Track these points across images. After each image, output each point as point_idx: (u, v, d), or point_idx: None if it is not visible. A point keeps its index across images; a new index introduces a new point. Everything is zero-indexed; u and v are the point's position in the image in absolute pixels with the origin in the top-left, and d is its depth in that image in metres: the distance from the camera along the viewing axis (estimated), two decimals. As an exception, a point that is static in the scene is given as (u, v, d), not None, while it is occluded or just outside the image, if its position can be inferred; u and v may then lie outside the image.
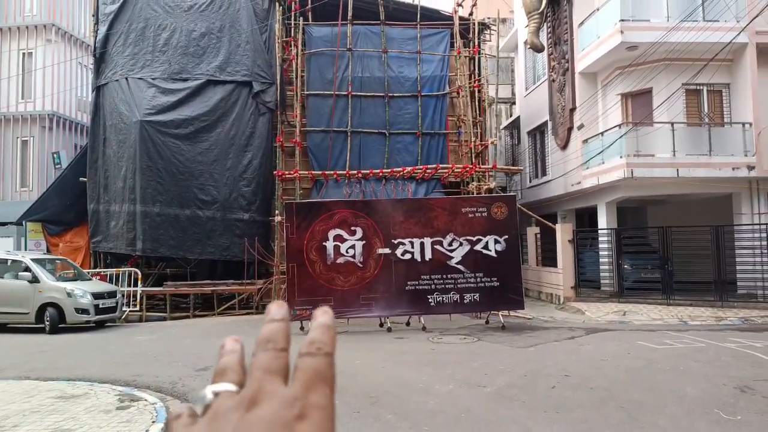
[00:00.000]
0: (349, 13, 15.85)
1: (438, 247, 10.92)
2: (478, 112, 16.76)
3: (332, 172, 15.14)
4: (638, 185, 14.17)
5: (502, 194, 14.75)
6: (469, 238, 10.97)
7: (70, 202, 17.34)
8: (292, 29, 15.99)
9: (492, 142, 16.36)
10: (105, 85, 16.55)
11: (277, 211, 14.67)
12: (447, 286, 10.87)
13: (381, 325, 11.16)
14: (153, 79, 15.82)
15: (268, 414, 0.36)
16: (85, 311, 12.28)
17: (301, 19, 15.98)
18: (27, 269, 12.51)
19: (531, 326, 11.43)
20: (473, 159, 16.00)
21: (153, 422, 5.21)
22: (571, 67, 16.53)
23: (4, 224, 19.81)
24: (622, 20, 13.97)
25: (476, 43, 17.06)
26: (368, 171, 15.00)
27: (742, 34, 13.01)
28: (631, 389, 6.27)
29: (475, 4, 17.22)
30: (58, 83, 22.22)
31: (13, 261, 12.96)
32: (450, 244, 10.92)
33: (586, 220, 19.08)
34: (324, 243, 10.82)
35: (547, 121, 18.80)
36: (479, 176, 15.44)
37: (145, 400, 6.05)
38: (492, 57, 17.78)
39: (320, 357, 0.39)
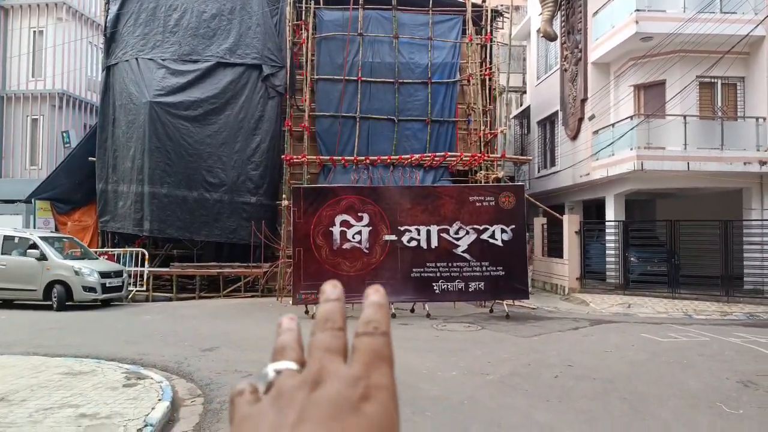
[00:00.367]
0: (361, -2, 15.72)
1: (444, 235, 10.91)
2: (488, 100, 16.63)
3: (340, 157, 15.12)
4: (648, 178, 14.07)
5: (510, 184, 14.70)
6: (475, 226, 10.96)
7: (79, 181, 17.43)
8: (303, 12, 15.88)
9: (501, 131, 16.25)
10: (115, 65, 16.54)
11: (284, 195, 14.70)
12: (452, 274, 10.88)
13: (385, 311, 11.19)
14: (163, 60, 15.80)
15: (334, 394, 0.36)
16: (92, 289, 12.41)
17: (312, 2, 15.86)
18: (35, 246, 12.63)
19: (535, 316, 11.45)
20: (482, 148, 15.92)
21: (159, 400, 5.27)
22: (584, 56, 16.35)
23: (13, 202, 19.96)
24: (638, 10, 13.78)
25: (488, 31, 16.87)
26: (376, 157, 14.96)
27: (759, 27, 12.80)
28: (635, 381, 6.28)
29: (488, -9, 17.02)
30: (68, 62, 22.23)
31: (21, 238, 13.09)
32: (456, 233, 10.92)
33: (593, 211, 18.99)
34: (331, 228, 10.84)
35: (557, 111, 18.65)
36: (487, 165, 15.38)
37: (152, 378, 6.12)
38: (504, 45, 17.61)
39: (378, 336, 0.39)
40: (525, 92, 24.05)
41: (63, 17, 21.99)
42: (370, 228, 10.86)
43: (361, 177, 15.04)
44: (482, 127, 16.10)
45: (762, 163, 13.57)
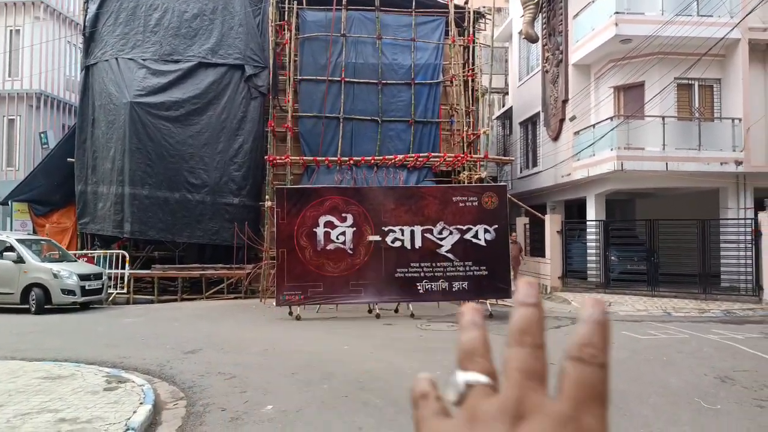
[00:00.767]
0: (344, -2, 15.71)
1: (428, 235, 10.95)
2: (471, 101, 16.74)
3: (324, 158, 15.09)
4: (628, 178, 14.28)
5: (493, 184, 14.80)
6: (459, 226, 11.01)
7: (58, 182, 17.15)
8: (286, 13, 15.82)
9: (484, 132, 16.37)
10: (94, 65, 16.30)
11: (267, 197, 14.62)
12: (436, 273, 10.92)
13: (370, 311, 11.21)
14: (144, 60, 15.62)
15: None
16: (71, 292, 12.21)
17: (295, 2, 15.80)
18: (12, 249, 12.39)
19: (518, 315, 11.52)
20: (465, 148, 16.01)
21: (141, 403, 5.21)
22: (565, 58, 16.53)
23: (-11, 204, 19.56)
24: (617, 13, 13.98)
25: (471, 32, 16.98)
26: (360, 158, 14.96)
27: (735, 30, 13.07)
28: (616, 379, 6.28)
29: (470, -8, 17.14)
30: (46, 62, 21.82)
31: (-1, 241, 12.82)
32: (440, 233, 10.96)
33: (574, 211, 19.21)
34: (314, 229, 10.81)
35: (539, 112, 18.84)
36: (470, 166, 15.47)
37: (133, 381, 6.05)
38: (486, 46, 17.74)
39: (595, 367, 0.33)
40: (507, 93, 24.24)
41: (41, 16, 21.60)
42: (354, 228, 10.86)
43: (345, 178, 15.03)
44: (465, 128, 16.19)
45: (738, 163, 13.86)
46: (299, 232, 10.78)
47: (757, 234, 12.81)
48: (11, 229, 17.33)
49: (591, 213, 15.63)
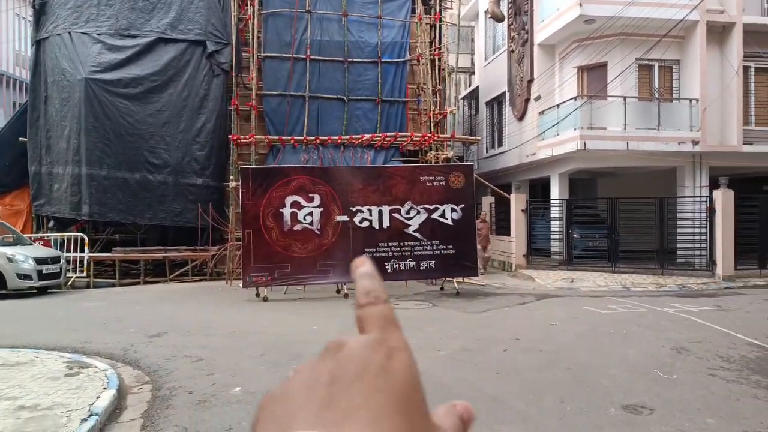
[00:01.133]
0: (308, -27, 15.34)
1: (396, 215, 10.97)
2: (437, 80, 16.71)
3: (289, 137, 14.86)
4: (590, 157, 14.57)
5: (460, 164, 14.89)
6: (426, 206, 11.06)
7: (9, 163, 16.40)
8: (248, -13, 15.35)
9: (451, 111, 16.40)
10: (46, 39, 15.52)
11: (231, 177, 14.35)
12: (404, 253, 10.98)
13: (338, 291, 11.22)
14: (99, 34, 14.94)
15: (361, 357, 0.37)
16: (27, 277, 11.80)
17: (258, -24, 15.35)
18: (-37, 233, 11.84)
19: (484, 292, 11.75)
20: (432, 128, 16.02)
21: (104, 388, 5.09)
22: (530, 38, 16.63)
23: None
24: (581, -7, 14.09)
25: (437, 11, 16.87)
26: (326, 137, 14.79)
27: (693, 11, 13.37)
28: (578, 352, 6.57)
29: (436, -30, 16.97)
30: (-8, 35, 20.71)
31: (-53, 224, 12.23)
32: (408, 212, 10.99)
33: (539, 190, 19.55)
34: (281, 209, 10.68)
35: (505, 92, 18.97)
36: (437, 145, 15.51)
37: (95, 366, 5.90)
38: (453, 25, 17.65)
39: (381, 304, 0.41)
40: (473, 73, 24.30)
41: (-15, -14, 20.42)
42: (322, 209, 10.78)
43: (312, 157, 14.86)
44: (432, 108, 16.18)
45: (695, 142, 14.32)
46: (265, 213, 10.64)
47: (711, 211, 13.32)
48: (-40, 212, 16.53)
49: (555, 192, 15.93)
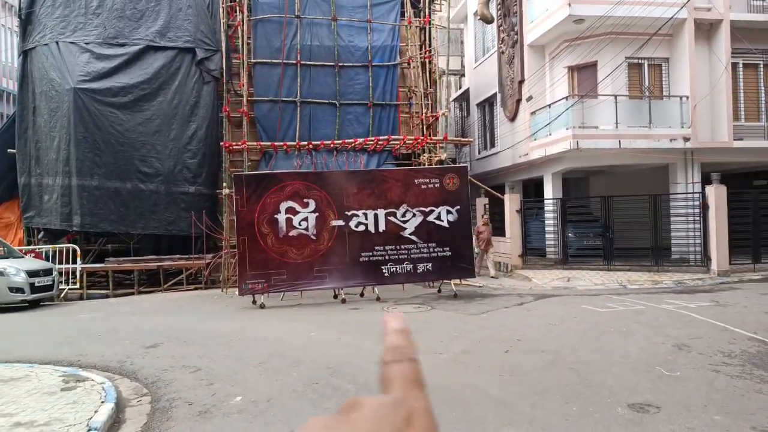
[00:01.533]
0: (297, -22, 15.31)
1: (391, 218, 10.92)
2: (428, 83, 16.71)
3: (282, 143, 14.79)
4: (583, 156, 14.61)
5: (454, 165, 14.87)
6: (422, 209, 11.03)
7: (-2, 175, 16.22)
8: (237, -7, 15.29)
9: (443, 114, 16.40)
10: (33, 50, 15.37)
11: (224, 184, 14.25)
12: (400, 256, 10.93)
13: (335, 296, 11.15)
14: (86, 43, 14.82)
15: (377, 418, 0.36)
16: (19, 290, 11.63)
17: (246, -18, 15.30)
18: (-48, 247, 11.66)
19: (481, 294, 11.71)
20: (424, 130, 16.01)
21: (102, 402, 4.99)
22: (520, 39, 16.68)
23: None
24: (570, -7, 14.15)
25: (426, 13, 16.89)
26: (319, 142, 14.74)
27: (682, 10, 13.46)
28: (580, 351, 6.54)
29: (425, -27, 16.99)
30: (-22, 46, 20.49)
31: (-64, 239, 12.04)
32: (403, 215, 10.95)
33: (531, 190, 19.58)
34: (276, 215, 10.60)
35: (496, 93, 19.00)
36: (430, 148, 15.49)
37: (92, 380, 5.79)
38: (442, 28, 17.68)
39: (406, 362, 0.41)
40: (464, 75, 24.34)
41: (-31, -3, 20.20)
42: (317, 214, 10.71)
43: (305, 163, 14.80)
44: (424, 110, 16.17)
45: (686, 139, 14.39)
46: (260, 219, 10.55)
47: (704, 207, 13.38)
48: (-51, 226, 16.30)
49: (548, 191, 15.96)
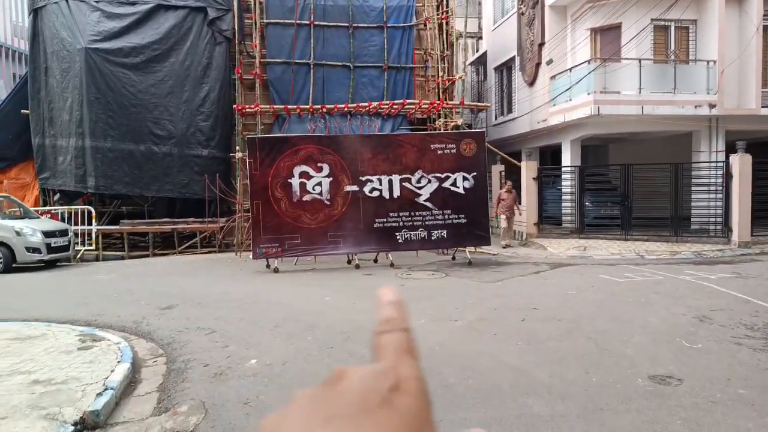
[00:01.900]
0: (311, -66, 14.77)
1: (406, 184, 10.76)
2: (445, 46, 16.24)
3: (295, 106, 14.55)
4: (604, 122, 14.22)
5: (471, 130, 14.58)
6: (437, 174, 10.84)
7: (13, 136, 16.21)
8: (249, -50, 14.82)
9: (459, 78, 15.98)
10: (43, 8, 15.13)
11: (237, 147, 14.12)
12: (415, 223, 10.81)
13: (349, 262, 11.11)
14: (97, 2, 14.54)
15: (362, 387, 0.36)
16: (36, 250, 11.74)
17: (259, -62, 14.79)
18: (-31, 207, 11.75)
19: (496, 262, 11.61)
20: (440, 95, 15.64)
21: (118, 362, 5.01)
22: (541, -1, 16.07)
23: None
24: (596, -50, 13.52)
25: (445, -28, 16.28)
26: (333, 106, 14.47)
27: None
28: (598, 321, 6.43)
29: (444, -71, 16.31)
30: (-11, 5, 20.25)
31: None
32: (418, 181, 10.78)
33: (548, 157, 19.23)
34: (289, 180, 10.49)
35: (514, 56, 18.46)
36: (446, 113, 15.16)
37: (108, 339, 5.82)
38: (460, -13, 17.06)
39: (397, 332, 0.40)
40: (481, 38, 23.66)
41: (-21, -46, 19.85)
42: (331, 179, 10.58)
43: (318, 126, 14.58)
44: (440, 74, 15.77)
45: (711, 105, 13.92)
46: (274, 183, 10.45)
47: (727, 176, 13.02)
48: (-34, 187, 16.42)
49: (566, 159, 15.63)
